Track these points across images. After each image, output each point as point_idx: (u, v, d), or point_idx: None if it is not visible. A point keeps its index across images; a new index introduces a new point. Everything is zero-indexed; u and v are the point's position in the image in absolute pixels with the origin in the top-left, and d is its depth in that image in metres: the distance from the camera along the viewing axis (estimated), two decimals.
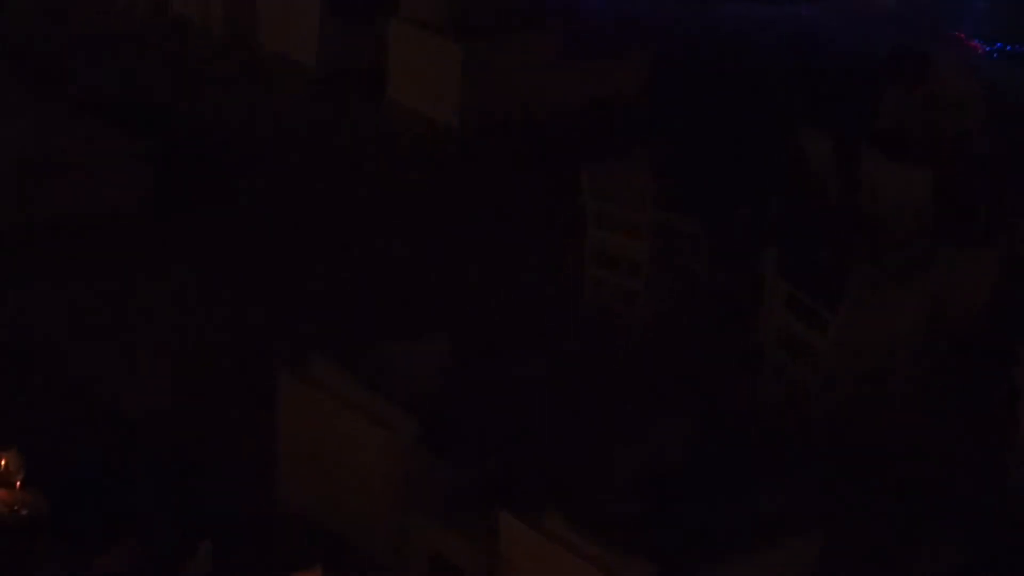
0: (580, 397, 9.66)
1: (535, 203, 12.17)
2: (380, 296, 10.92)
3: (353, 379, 8.45)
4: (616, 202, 10.87)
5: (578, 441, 8.52)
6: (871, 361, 10.07)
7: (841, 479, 9.23)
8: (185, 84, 13.98)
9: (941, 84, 12.50)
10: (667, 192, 10.88)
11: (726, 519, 7.86)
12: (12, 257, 11.08)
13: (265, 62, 14.50)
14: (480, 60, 13.40)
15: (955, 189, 11.21)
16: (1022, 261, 11.09)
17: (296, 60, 14.34)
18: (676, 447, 8.42)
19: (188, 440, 9.30)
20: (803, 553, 7.78)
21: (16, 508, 7.51)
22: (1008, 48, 16.17)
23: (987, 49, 16.16)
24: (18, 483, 7.62)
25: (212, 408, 9.63)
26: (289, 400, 8.75)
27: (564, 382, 9.84)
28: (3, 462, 7.66)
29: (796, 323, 10.07)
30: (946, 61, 13.25)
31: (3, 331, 10.25)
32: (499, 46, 13.61)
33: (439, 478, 8.23)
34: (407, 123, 13.44)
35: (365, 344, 9.15)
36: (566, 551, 7.51)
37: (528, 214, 12.07)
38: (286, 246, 11.55)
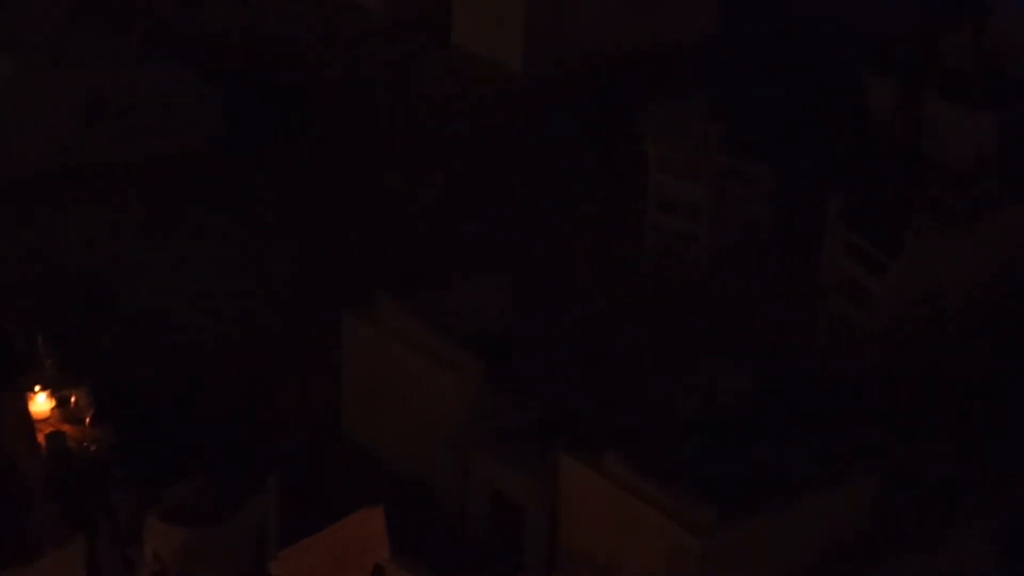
0: (641, 339, 9.66)
1: (598, 146, 12.12)
2: (444, 237, 10.94)
3: (418, 319, 8.48)
4: (678, 145, 10.82)
5: (639, 382, 8.54)
6: (931, 306, 10.00)
7: (899, 421, 9.20)
8: (255, 27, 13.97)
9: (1003, 27, 12.35)
10: (729, 136, 10.82)
11: (785, 460, 7.86)
12: (83, 195, 11.17)
13: (332, 6, 14.44)
14: (546, 8, 13.32)
15: (1018, 132, 11.10)
16: None
17: (363, 4, 14.29)
18: (736, 389, 8.41)
19: (255, 376, 9.37)
20: (862, 493, 7.78)
21: (86, 444, 7.59)
22: None
23: None
24: (88, 419, 7.70)
25: (278, 345, 9.70)
26: (354, 339, 8.80)
27: (625, 324, 9.84)
28: (73, 399, 7.74)
29: (857, 268, 10.01)
30: (1008, 4, 13.08)
31: (74, 268, 10.34)
32: None
33: (502, 418, 8.26)
34: (471, 67, 13.40)
35: (429, 284, 9.19)
36: (626, 492, 7.53)
37: (591, 157, 12.02)
38: (352, 187, 11.58)
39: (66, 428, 7.63)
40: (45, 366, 7.89)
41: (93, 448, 7.56)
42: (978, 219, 10.18)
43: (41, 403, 7.68)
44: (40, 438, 7.56)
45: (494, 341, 8.52)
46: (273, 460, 7.75)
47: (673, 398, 8.29)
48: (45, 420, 7.65)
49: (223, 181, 11.58)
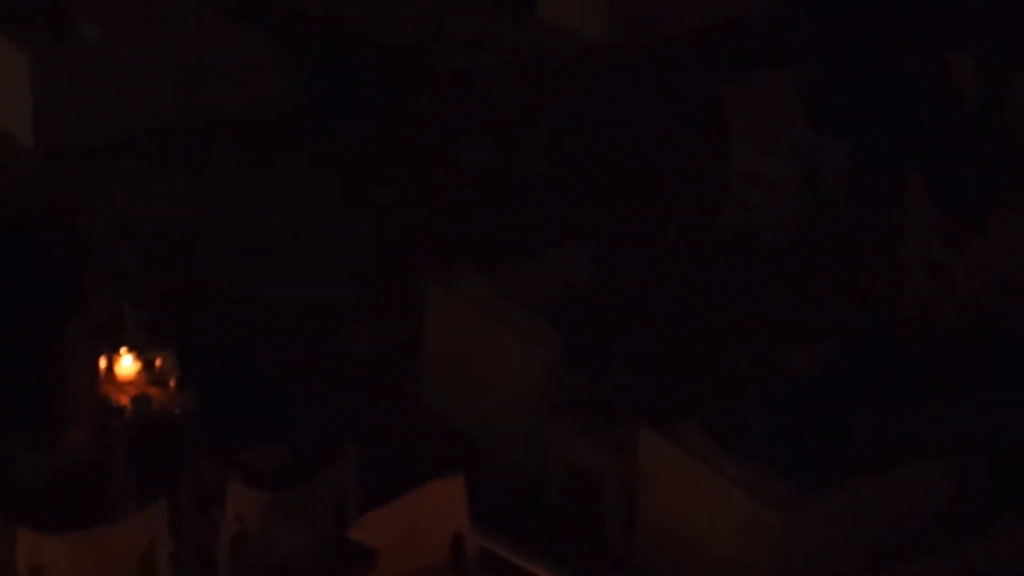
0: (720, 313, 9.62)
1: (680, 120, 12.07)
2: (526, 208, 10.93)
3: (497, 290, 8.50)
4: (760, 121, 10.76)
5: (717, 356, 8.50)
6: (1013, 285, 9.90)
7: (979, 404, 9.10)
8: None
9: None
10: (812, 112, 10.75)
11: (866, 434, 7.82)
12: (168, 160, 11.23)
13: None
14: None
15: None
16: None
17: None
18: (816, 363, 8.36)
19: (336, 343, 9.41)
20: (939, 476, 7.73)
21: (170, 407, 7.67)
22: None
23: None
24: (173, 383, 7.77)
25: (360, 312, 9.72)
26: (434, 309, 8.83)
27: (704, 297, 9.80)
28: (158, 362, 7.81)
29: (938, 245, 9.93)
30: None
31: (159, 233, 10.42)
32: None
33: (580, 390, 8.26)
34: (555, 40, 13.35)
35: (511, 255, 9.19)
36: (703, 465, 7.52)
37: (673, 130, 11.97)
38: (434, 157, 11.59)
39: (151, 391, 7.72)
40: (131, 328, 7.98)
41: (177, 411, 7.65)
42: None
43: (127, 366, 7.77)
44: (126, 400, 7.65)
45: (573, 313, 8.52)
46: (353, 427, 7.76)
47: (752, 371, 8.25)
48: (130, 383, 7.74)
49: (305, 149, 11.62)
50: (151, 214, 10.62)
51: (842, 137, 10.73)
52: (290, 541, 7.16)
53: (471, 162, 11.54)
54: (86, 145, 11.15)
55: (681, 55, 13.06)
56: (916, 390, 8.48)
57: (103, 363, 7.77)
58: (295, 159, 11.45)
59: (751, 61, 12.21)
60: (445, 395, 8.81)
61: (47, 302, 7.79)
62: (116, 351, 7.80)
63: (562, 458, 8.20)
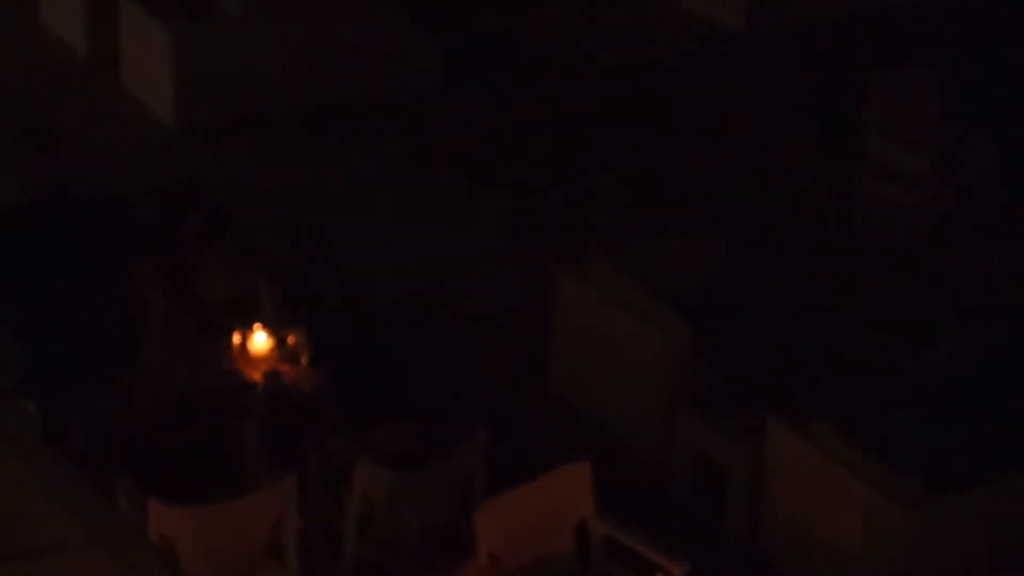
0: (854, 306, 9.54)
1: (817, 109, 11.97)
2: (658, 195, 10.90)
3: (629, 278, 8.48)
4: (899, 114, 10.66)
5: (850, 350, 8.43)
6: None
7: None
8: None
9: None
10: (954, 106, 10.62)
11: (1001, 435, 7.71)
12: (305, 137, 11.33)
13: None
14: None
15: None
16: None
17: None
18: (951, 360, 8.28)
19: (465, 326, 9.45)
20: None
21: (301, 384, 7.72)
22: None
23: None
24: (304, 360, 7.82)
25: (489, 296, 9.75)
26: (564, 296, 8.82)
27: (837, 291, 9.73)
28: (291, 339, 7.86)
29: None
30: None
31: (293, 210, 10.51)
32: None
33: (710, 380, 8.23)
34: (693, 26, 13.30)
35: (642, 243, 9.17)
36: (833, 461, 7.47)
37: (809, 120, 11.88)
38: (568, 142, 11.59)
39: (283, 368, 7.75)
40: (265, 305, 8.06)
41: (308, 388, 7.68)
42: None
43: (260, 342, 7.81)
44: (257, 376, 7.73)
45: (705, 302, 8.49)
46: (480, 410, 7.78)
47: (886, 366, 8.18)
48: (263, 359, 7.80)
49: (439, 130, 11.66)
50: (286, 191, 10.73)
51: (983, 132, 10.61)
52: (416, 521, 7.21)
53: (605, 147, 11.53)
54: (225, 121, 11.28)
55: (819, 46, 12.96)
56: None
57: (236, 339, 7.85)
58: (430, 139, 11.50)
59: (891, 53, 12.08)
60: (573, 381, 8.81)
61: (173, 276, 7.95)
62: (250, 328, 7.87)
63: (689, 448, 8.18)
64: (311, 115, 11.42)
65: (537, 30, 13.18)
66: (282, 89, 11.45)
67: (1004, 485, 7.51)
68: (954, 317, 9.59)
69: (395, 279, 9.89)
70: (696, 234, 9.50)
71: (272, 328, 7.87)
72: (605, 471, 7.17)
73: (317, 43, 11.59)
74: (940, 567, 7.41)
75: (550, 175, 11.13)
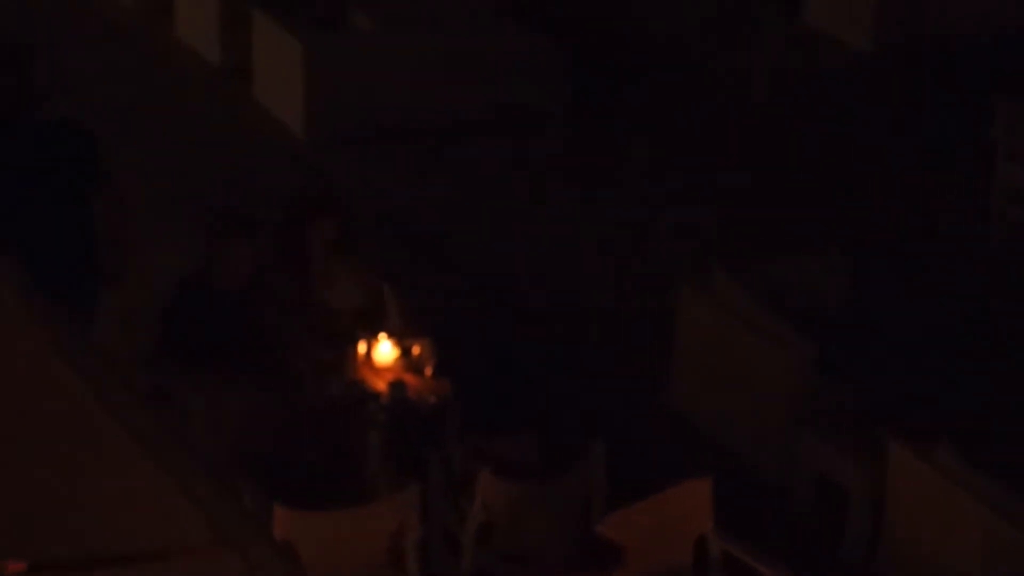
0: (980, 329, 9.43)
1: (945, 130, 11.87)
2: (784, 210, 10.85)
3: (752, 295, 8.45)
4: None
5: (975, 374, 8.34)
6: None
7: None
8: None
9: None
10: None
11: None
12: (432, 151, 11.40)
13: None
14: None
15: None
16: None
17: None
18: None
19: (586, 340, 9.45)
20: None
21: (425, 394, 7.76)
22: None
23: None
24: (428, 371, 7.86)
25: (611, 310, 9.75)
26: (686, 311, 8.81)
27: (966, 315, 9.62)
28: (416, 349, 7.91)
29: None
30: None
31: (419, 222, 10.57)
32: None
33: (832, 400, 8.17)
34: (817, 46, 13.24)
35: (766, 258, 9.13)
36: (955, 485, 7.38)
37: (936, 141, 11.78)
38: (691, 157, 11.58)
39: (407, 377, 7.79)
40: (391, 315, 8.12)
41: (431, 399, 7.72)
42: None
43: (385, 352, 7.87)
44: (382, 386, 7.79)
45: (828, 321, 8.44)
46: (602, 424, 7.78)
47: (1012, 392, 8.08)
48: (388, 369, 7.85)
49: (563, 144, 11.70)
50: (412, 202, 10.80)
51: None
52: (536, 533, 7.21)
53: (729, 163, 11.50)
54: (353, 132, 11.38)
55: (949, 65, 12.84)
56: None
57: (362, 348, 7.91)
58: (554, 152, 11.53)
59: (1020, 74, 11.94)
60: (693, 397, 8.78)
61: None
62: (375, 338, 7.93)
63: (810, 468, 8.12)
64: (438, 127, 11.48)
65: (663, 49, 13.18)
66: (410, 101, 11.53)
67: None
68: None
69: (518, 292, 9.93)
70: (822, 250, 9.42)
71: (397, 338, 7.92)
72: (724, 488, 7.14)
73: (445, 57, 11.67)
74: None
75: (671, 191, 11.12)
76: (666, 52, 13.12)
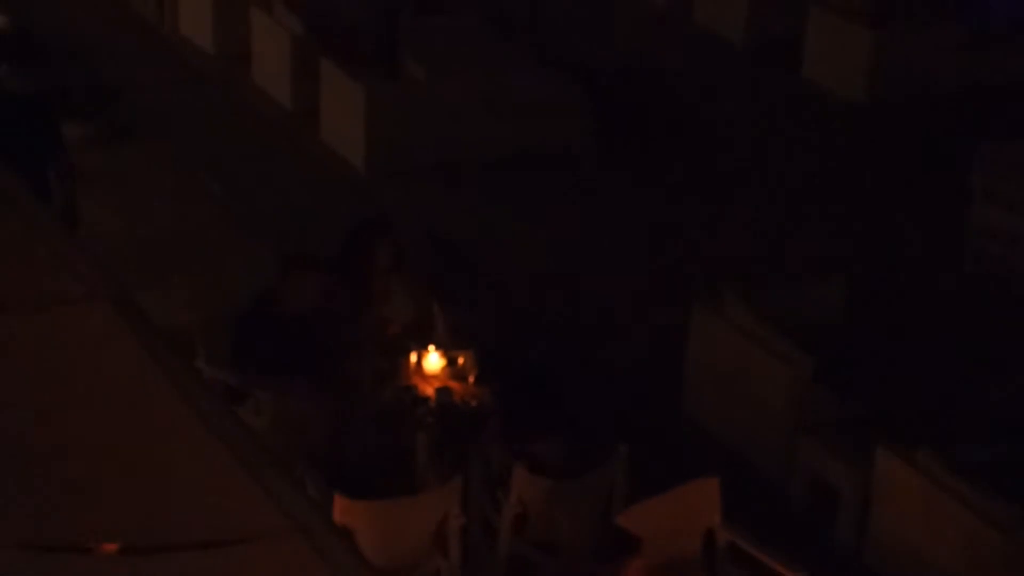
0: (963, 347, 9.36)
1: (928, 174, 11.81)
2: (786, 243, 10.79)
3: (757, 314, 8.40)
4: (1004, 180, 10.47)
5: (957, 386, 8.27)
6: None
7: None
8: (628, 47, 14.03)
9: None
10: None
11: None
12: (476, 182, 11.36)
13: (696, 36, 14.39)
14: (890, 45, 13.02)
15: None
16: None
17: (724, 36, 14.21)
18: None
19: (611, 354, 9.40)
20: None
21: (468, 400, 7.73)
22: None
23: None
24: (471, 379, 7.84)
25: (632, 328, 9.68)
26: (699, 328, 8.77)
27: (947, 335, 9.55)
28: (460, 360, 7.88)
29: None
30: None
31: (467, 247, 10.52)
32: (910, 32, 13.19)
33: (827, 409, 8.12)
34: (817, 97, 13.19)
35: (771, 281, 9.08)
36: (937, 487, 7.32)
37: (921, 187, 11.71)
38: (705, 192, 11.52)
39: (453, 385, 7.77)
40: (439, 329, 8.09)
41: (474, 404, 7.69)
42: None
43: (433, 361, 7.84)
44: (430, 391, 7.76)
45: (825, 338, 8.38)
46: (623, 429, 7.74)
47: (991, 402, 8.01)
48: (435, 376, 7.83)
49: (589, 178, 11.66)
50: (459, 230, 10.77)
51: None
52: (564, 524, 7.18)
53: (741, 199, 11.45)
54: (407, 168, 11.36)
55: (933, 115, 12.78)
56: None
57: (413, 358, 7.89)
58: (582, 190, 11.50)
59: (1002, 123, 11.87)
60: (704, 405, 8.73)
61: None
62: (425, 349, 7.91)
63: (806, 470, 8.07)
64: (481, 162, 11.45)
65: (677, 97, 13.15)
66: (457, 141, 11.50)
67: None
68: None
69: (549, 310, 9.89)
70: (819, 277, 9.36)
71: (444, 350, 7.91)
72: (731, 486, 7.10)
73: (486, 101, 11.65)
74: None
75: (685, 221, 11.06)
76: (679, 100, 13.09)
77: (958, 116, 12.65)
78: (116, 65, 13.09)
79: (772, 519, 7.76)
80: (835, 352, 8.28)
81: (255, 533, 4.46)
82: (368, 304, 8.07)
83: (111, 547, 4.48)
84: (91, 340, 5.33)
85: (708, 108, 12.96)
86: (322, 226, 9.99)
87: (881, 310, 9.50)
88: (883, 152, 12.30)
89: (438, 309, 8.18)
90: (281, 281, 8.07)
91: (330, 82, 11.83)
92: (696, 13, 14.48)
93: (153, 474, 4.80)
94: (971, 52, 13.24)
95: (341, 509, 6.65)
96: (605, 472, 7.27)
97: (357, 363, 7.82)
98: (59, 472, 4.70)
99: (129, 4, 14.23)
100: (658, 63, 13.73)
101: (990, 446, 7.54)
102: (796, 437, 8.08)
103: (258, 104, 12.59)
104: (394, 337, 8.01)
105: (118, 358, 5.27)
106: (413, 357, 7.87)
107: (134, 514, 4.61)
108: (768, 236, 10.90)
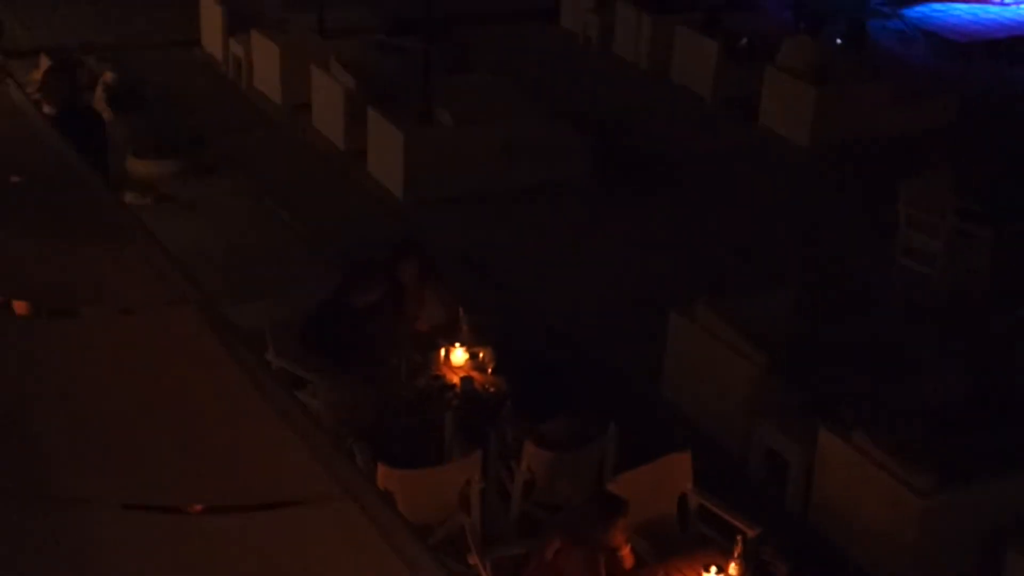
0: (889, 348, 9.30)
1: (864, 205, 11.76)
2: (747, 261, 10.73)
3: (723, 319, 8.37)
4: (923, 208, 10.41)
5: (885, 378, 8.22)
6: None
7: None
8: (618, 100, 14.00)
9: None
10: (964, 204, 10.35)
11: (993, 445, 7.46)
12: (494, 208, 11.32)
13: (674, 92, 14.36)
14: (829, 101, 12.99)
15: None
16: None
17: (696, 91, 14.18)
18: (958, 389, 8.03)
19: (605, 351, 9.37)
20: None
21: (487, 387, 7.72)
22: None
23: None
24: (489, 370, 7.82)
25: (622, 330, 9.65)
26: (675, 331, 8.73)
27: (880, 335, 9.50)
28: (481, 355, 7.86)
29: None
30: None
31: (487, 264, 10.48)
32: (846, 89, 13.16)
33: (779, 397, 8.08)
34: (772, 142, 13.16)
35: (734, 291, 9.02)
36: (867, 460, 7.29)
37: (857, 215, 11.67)
38: (681, 218, 11.48)
39: (474, 375, 7.77)
40: (464, 329, 8.07)
41: (492, 390, 7.68)
42: None
43: (459, 356, 7.83)
44: (456, 380, 7.73)
45: (778, 339, 8.34)
46: (613, 412, 7.70)
47: (911, 390, 7.96)
48: (460, 368, 7.81)
49: (590, 206, 11.63)
50: (480, 248, 10.74)
51: (984, 224, 10.33)
52: (564, 488, 7.15)
53: (710, 225, 11.40)
54: (437, 196, 11.34)
55: (867, 157, 12.74)
56: None
57: (442, 353, 7.86)
58: (581, 216, 11.47)
59: (922, 163, 11.83)
60: (679, 393, 8.70)
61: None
62: (452, 345, 7.88)
63: (762, 446, 8.04)
64: (497, 193, 11.43)
65: (658, 140, 13.12)
66: (478, 175, 11.49)
67: (996, 483, 7.26)
68: (964, 357, 9.31)
69: (556, 316, 9.84)
70: (774, 289, 9.31)
71: (468, 346, 7.90)
72: (700, 458, 7.07)
73: (502, 143, 11.61)
74: (948, 544, 7.20)
75: (666, 242, 11.03)
76: (660, 142, 13.05)
77: (885, 157, 12.62)
78: (204, 113, 13.09)
79: (734, 486, 7.72)
80: (786, 350, 8.24)
81: (312, 496, 4.42)
82: (405, 309, 8.05)
83: (196, 507, 4.45)
84: (179, 338, 5.30)
85: (683, 149, 12.93)
86: (369, 243, 9.97)
87: (824, 316, 9.44)
88: (825, 187, 12.27)
89: (463, 313, 8.16)
90: (343, 287, 8.05)
91: (376, 127, 11.81)
92: (673, 73, 14.48)
93: (228, 448, 4.77)
94: (895, 106, 13.24)
95: (383, 476, 6.64)
96: (598, 446, 7.24)
97: (396, 356, 7.81)
98: (152, 447, 4.67)
99: (215, 65, 14.25)
100: (643, 113, 13.72)
101: (910, 427, 7.48)
102: (754, 419, 8.05)
103: (317, 144, 12.58)
104: (426, 336, 8.00)
105: (201, 353, 5.25)
106: (442, 352, 7.86)
107: (213, 480, 4.58)
108: (732, 255, 10.86)
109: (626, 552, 6.27)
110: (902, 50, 16.17)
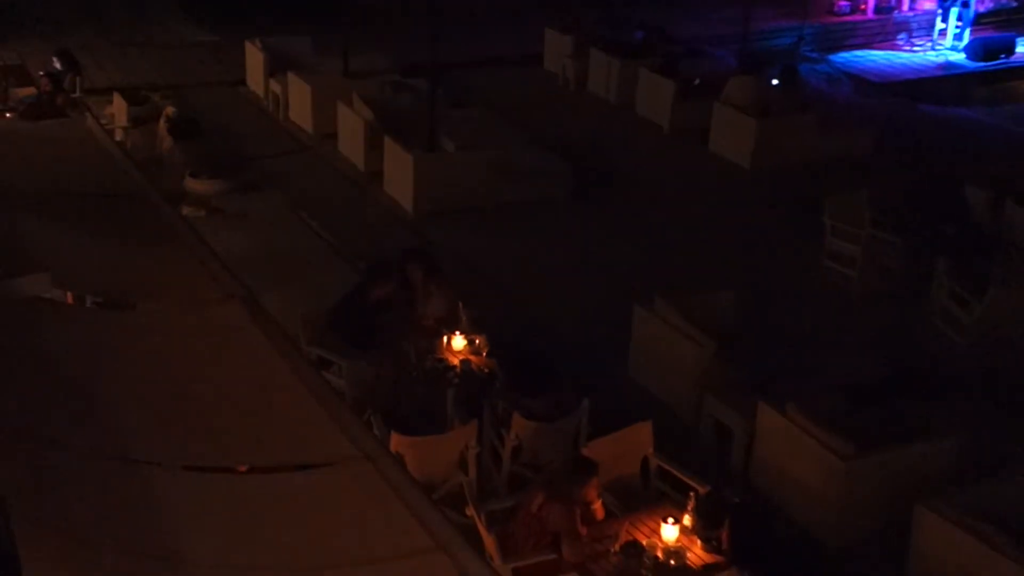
0: (818, 335, 9.34)
1: (795, 218, 11.76)
2: (700, 264, 10.74)
3: (679, 313, 8.37)
4: (845, 221, 10.44)
5: (812, 362, 8.23)
6: (1005, 331, 9.40)
7: (983, 404, 8.62)
8: (593, 131, 14.00)
9: None
10: (879, 216, 10.37)
11: (903, 419, 7.48)
12: (489, 222, 11.28)
13: (638, 122, 14.36)
14: (767, 131, 13.01)
15: None
16: None
17: (657, 122, 14.19)
18: (874, 371, 8.06)
19: (583, 337, 9.35)
20: (946, 452, 7.33)
21: (482, 368, 7.72)
22: None
23: None
24: (484, 354, 7.82)
25: (599, 319, 9.62)
26: (639, 321, 8.73)
27: (808, 325, 9.52)
28: (477, 341, 7.87)
29: (954, 306, 9.48)
30: None
31: (481, 265, 10.46)
32: (781, 122, 13.18)
33: (725, 375, 8.09)
34: (719, 164, 13.16)
35: (688, 290, 9.03)
36: (799, 429, 7.29)
37: (790, 225, 11.67)
38: (646, 231, 11.47)
39: (472, 358, 7.76)
40: (463, 320, 8.06)
41: (486, 371, 7.68)
42: None
43: (459, 342, 7.83)
44: (456, 362, 7.72)
45: (723, 329, 8.35)
46: (587, 390, 7.72)
47: (835, 372, 7.98)
48: (460, 352, 7.80)
49: (569, 217, 11.62)
50: (477, 252, 10.73)
51: (896, 233, 10.36)
52: (546, 453, 7.16)
53: (670, 234, 11.40)
54: (441, 211, 11.33)
55: (799, 178, 12.75)
56: (936, 395, 8.12)
57: (444, 340, 7.86)
58: (561, 226, 11.46)
59: (843, 183, 11.85)
60: (643, 373, 8.70)
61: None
62: (453, 333, 7.88)
63: (710, 417, 8.04)
64: (490, 208, 11.41)
65: (626, 163, 13.12)
66: (475, 193, 11.46)
67: (906, 449, 7.28)
68: (878, 343, 9.34)
69: (540, 306, 9.84)
70: (720, 289, 9.32)
71: (466, 334, 7.90)
72: (659, 427, 7.07)
73: (496, 166, 11.60)
74: (866, 500, 7.21)
75: (633, 248, 11.02)
76: (627, 164, 13.06)
77: (813, 178, 12.63)
78: (248, 141, 13.08)
79: (688, 450, 7.73)
80: (729, 337, 8.25)
81: (336, 458, 4.45)
82: (414, 303, 8.05)
83: (242, 468, 4.46)
84: (227, 329, 5.33)
85: (646, 170, 12.94)
86: (383, 248, 9.96)
87: (762, 309, 9.45)
88: (764, 203, 12.27)
89: (462, 307, 8.16)
90: (363, 284, 8.05)
91: (390, 152, 11.81)
92: (637, 107, 14.49)
93: (268, 418, 4.79)
94: (822, 135, 13.25)
95: (396, 442, 6.65)
96: (574, 418, 7.25)
97: (407, 342, 7.81)
98: (206, 418, 4.69)
99: (258, 101, 14.24)
100: (612, 140, 13.72)
101: (833, 401, 7.49)
102: (703, 394, 8.04)
103: (342, 167, 12.57)
104: (432, 325, 8.00)
105: (246, 340, 5.28)
106: (444, 339, 7.86)
107: (255, 444, 4.61)
108: (685, 257, 10.86)
109: (598, 506, 6.28)
110: (828, 89, 16.24)
